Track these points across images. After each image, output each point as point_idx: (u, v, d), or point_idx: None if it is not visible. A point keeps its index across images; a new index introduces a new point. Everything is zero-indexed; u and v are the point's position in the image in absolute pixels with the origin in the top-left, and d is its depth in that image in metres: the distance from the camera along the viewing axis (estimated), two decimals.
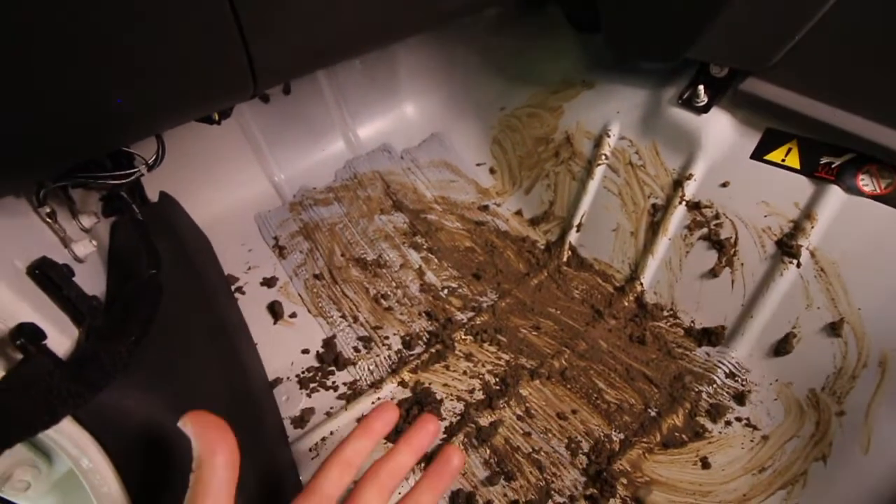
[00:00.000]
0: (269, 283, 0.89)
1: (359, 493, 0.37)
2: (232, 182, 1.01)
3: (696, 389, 0.69)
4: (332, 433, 0.70)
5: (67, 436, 0.36)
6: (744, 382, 0.69)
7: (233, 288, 0.87)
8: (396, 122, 1.17)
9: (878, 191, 0.63)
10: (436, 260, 0.93)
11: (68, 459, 0.36)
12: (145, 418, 0.41)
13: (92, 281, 0.49)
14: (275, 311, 0.84)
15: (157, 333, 0.46)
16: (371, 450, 0.40)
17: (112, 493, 0.37)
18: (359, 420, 0.71)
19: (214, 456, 0.32)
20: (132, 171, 0.52)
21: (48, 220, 0.47)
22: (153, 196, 0.83)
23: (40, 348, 0.35)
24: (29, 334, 0.35)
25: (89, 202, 0.64)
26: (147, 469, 0.40)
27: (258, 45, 0.38)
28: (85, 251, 0.50)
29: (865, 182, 0.64)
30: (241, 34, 0.37)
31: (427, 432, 0.42)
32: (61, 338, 0.38)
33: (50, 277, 0.40)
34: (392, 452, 0.40)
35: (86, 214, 0.56)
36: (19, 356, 0.35)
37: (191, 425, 0.33)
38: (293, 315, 0.85)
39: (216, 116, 0.56)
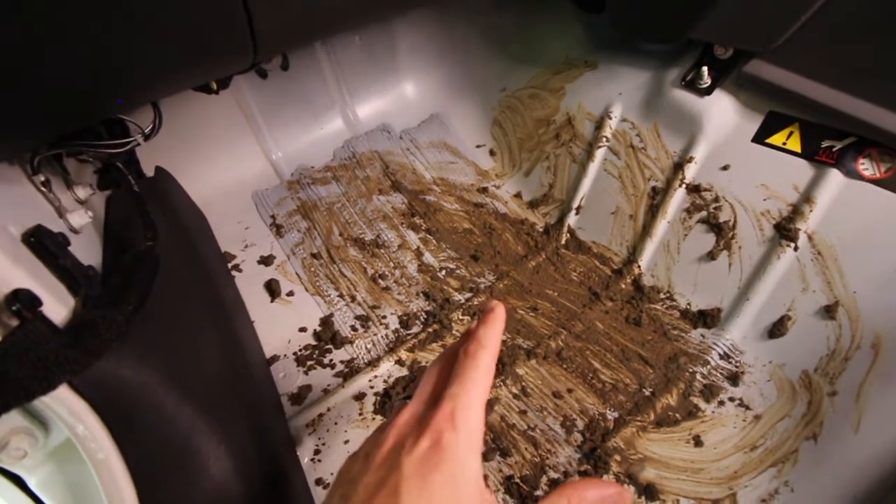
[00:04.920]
0: (266, 261, 0.88)
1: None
2: (229, 159, 1.00)
3: (691, 370, 0.70)
4: (328, 410, 0.70)
5: (63, 403, 0.36)
6: (738, 364, 0.70)
7: (229, 265, 0.87)
8: (396, 101, 1.15)
9: (878, 175, 0.63)
10: (434, 241, 0.93)
11: (64, 426, 0.36)
12: (142, 388, 0.40)
13: (87, 252, 0.49)
14: (272, 289, 0.84)
15: (154, 305, 0.45)
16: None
17: (108, 460, 0.37)
18: (356, 398, 0.71)
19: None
20: (128, 139, 0.51)
21: (42, 188, 0.47)
22: (149, 171, 0.82)
23: (36, 314, 0.35)
24: (25, 300, 0.35)
25: (84, 174, 0.63)
26: (143, 438, 0.41)
27: (259, 7, 0.37)
28: (80, 221, 0.49)
29: (865, 166, 0.64)
30: None
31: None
32: (57, 306, 0.38)
33: (45, 245, 0.39)
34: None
35: (81, 185, 0.55)
36: (15, 322, 0.34)
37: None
38: (290, 293, 0.84)
39: (214, 86, 0.55)
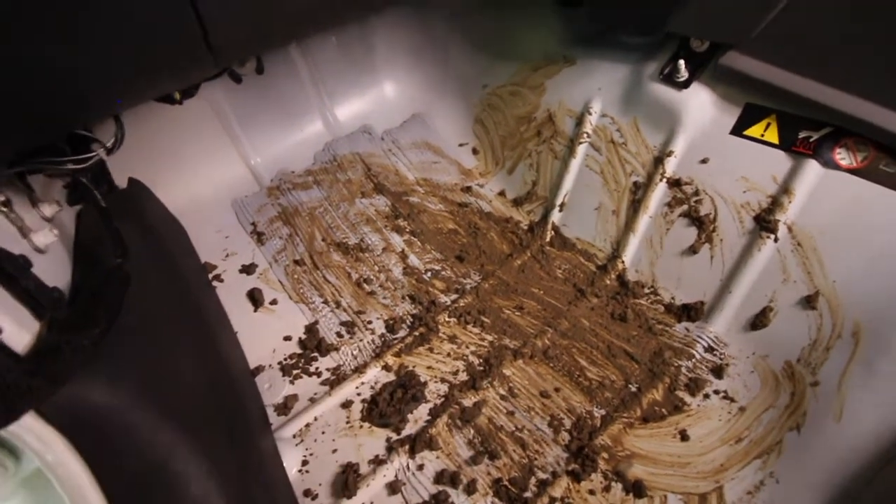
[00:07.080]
0: (248, 269, 0.87)
1: None
2: (206, 167, 0.98)
3: (676, 364, 0.70)
4: (315, 419, 0.69)
5: (31, 431, 0.35)
6: (722, 356, 0.70)
7: (210, 276, 0.86)
8: (376, 102, 1.14)
9: (855, 164, 0.64)
10: (419, 243, 0.92)
11: (32, 455, 0.35)
12: (114, 411, 0.39)
13: (54, 272, 0.47)
14: (255, 298, 0.83)
15: (126, 324, 0.44)
16: None
17: (81, 486, 0.36)
18: (343, 405, 0.70)
19: None
20: (90, 154, 0.50)
21: (3, 209, 0.45)
22: (123, 183, 0.80)
23: None
24: None
25: (52, 190, 0.61)
26: (118, 462, 0.40)
27: (212, 15, 0.35)
28: (46, 241, 0.47)
29: (842, 156, 0.65)
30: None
31: None
32: (19, 332, 0.37)
33: (3, 269, 0.38)
34: None
35: (47, 203, 0.54)
36: None
37: None
38: (274, 302, 0.83)
39: (177, 96, 0.53)
